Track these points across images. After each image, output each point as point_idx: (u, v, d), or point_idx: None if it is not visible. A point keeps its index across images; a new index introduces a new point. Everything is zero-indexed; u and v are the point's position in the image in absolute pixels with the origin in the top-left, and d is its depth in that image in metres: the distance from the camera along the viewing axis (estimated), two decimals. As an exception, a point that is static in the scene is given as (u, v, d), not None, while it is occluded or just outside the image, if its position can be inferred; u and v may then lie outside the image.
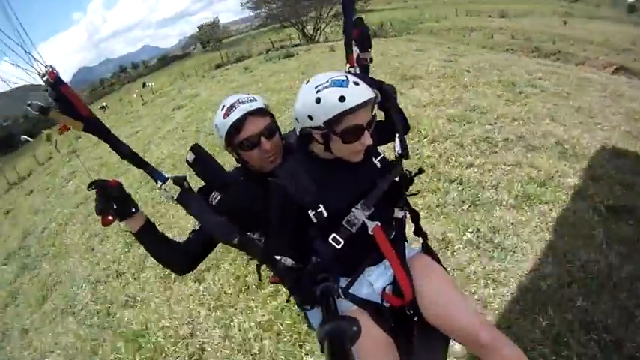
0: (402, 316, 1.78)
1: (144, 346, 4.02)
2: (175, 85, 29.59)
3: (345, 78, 1.53)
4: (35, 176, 20.53)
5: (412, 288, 1.74)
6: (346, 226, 1.63)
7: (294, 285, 1.67)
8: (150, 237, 1.79)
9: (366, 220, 1.66)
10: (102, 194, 1.59)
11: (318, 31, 41.08)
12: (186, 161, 1.81)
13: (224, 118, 1.79)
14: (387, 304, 1.77)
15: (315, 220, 1.62)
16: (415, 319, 1.77)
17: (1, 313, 6.91)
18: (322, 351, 1.02)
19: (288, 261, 1.60)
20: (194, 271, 2.02)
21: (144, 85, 43.97)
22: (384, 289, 1.78)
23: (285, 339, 3.47)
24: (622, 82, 11.03)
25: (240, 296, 4.23)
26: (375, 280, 1.81)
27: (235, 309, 4.10)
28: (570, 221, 4.13)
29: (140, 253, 5.94)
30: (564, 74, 10.12)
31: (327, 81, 1.52)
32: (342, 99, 1.45)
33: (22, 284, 7.54)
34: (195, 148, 1.82)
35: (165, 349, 3.84)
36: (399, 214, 1.85)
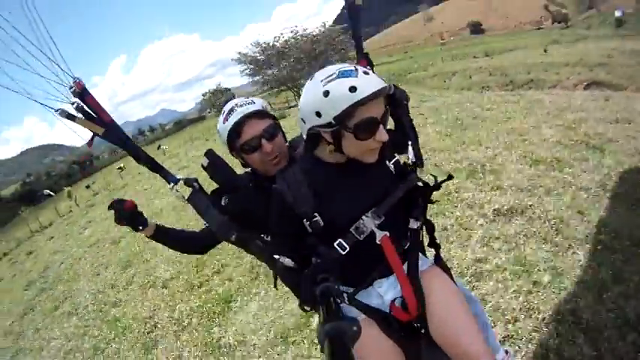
0: (410, 329, 1.71)
1: (118, 326, 6.08)
2: (184, 147, 31.66)
3: (353, 68, 1.41)
4: (56, 225, 22.56)
5: (421, 303, 1.68)
6: (354, 232, 1.56)
7: (293, 285, 1.66)
8: (161, 239, 2.01)
9: (375, 229, 1.58)
10: (118, 214, 1.83)
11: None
12: (201, 165, 1.84)
13: (224, 122, 1.82)
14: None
15: (310, 230, 1.57)
16: (422, 331, 1.71)
17: (19, 322, 8.80)
18: (322, 351, 0.97)
19: (287, 261, 1.57)
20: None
21: (158, 147, 46.20)
22: (393, 301, 1.71)
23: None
24: (581, 96, 11.39)
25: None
26: (384, 292, 1.73)
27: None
28: (460, 224, 4.97)
29: (132, 273, 8.10)
30: (514, 101, 11.00)
31: (335, 73, 1.40)
32: (352, 89, 1.33)
33: (39, 301, 9.49)
34: (209, 153, 1.84)
35: (132, 327, 5.88)
36: (414, 224, 1.73)
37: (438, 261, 1.93)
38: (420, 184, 1.74)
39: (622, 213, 4.50)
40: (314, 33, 42.54)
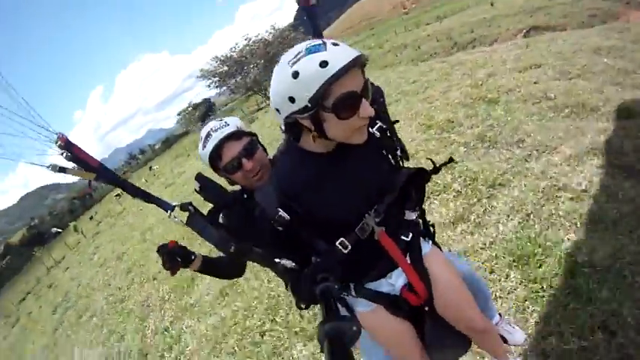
0: (416, 308, 1.75)
1: (124, 311, 8.15)
2: (170, 165, 33.62)
3: (321, 42, 1.25)
4: (68, 258, 24.55)
5: (428, 287, 1.71)
6: (358, 233, 1.52)
7: (294, 285, 1.59)
8: (206, 270, 2.02)
9: (375, 226, 1.53)
10: (168, 255, 1.80)
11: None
12: (195, 189, 1.86)
13: (203, 148, 1.86)
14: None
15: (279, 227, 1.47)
16: (427, 309, 1.75)
17: (52, 336, 10.92)
18: (322, 351, 0.96)
19: (288, 263, 1.54)
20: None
21: (150, 168, 47.67)
22: (404, 286, 1.73)
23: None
24: (506, 48, 11.48)
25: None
26: (395, 281, 1.73)
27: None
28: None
29: (132, 275, 10.15)
30: (439, 69, 11.31)
31: (301, 50, 1.25)
32: (323, 64, 1.18)
33: (65, 317, 11.56)
34: (199, 177, 1.85)
35: (133, 309, 7.88)
36: (410, 215, 1.71)
37: (432, 240, 1.93)
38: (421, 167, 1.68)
39: (483, 160, 5.11)
40: (266, 37, 44.16)
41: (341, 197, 1.52)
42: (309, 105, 1.25)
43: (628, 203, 3.50)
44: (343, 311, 1.50)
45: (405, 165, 1.75)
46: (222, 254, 1.99)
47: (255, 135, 1.99)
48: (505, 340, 2.35)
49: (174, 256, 1.82)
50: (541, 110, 5.91)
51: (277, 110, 1.38)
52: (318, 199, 1.49)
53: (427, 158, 1.92)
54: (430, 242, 1.89)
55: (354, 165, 1.53)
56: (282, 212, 1.44)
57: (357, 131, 1.37)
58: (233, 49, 44.66)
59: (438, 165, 1.77)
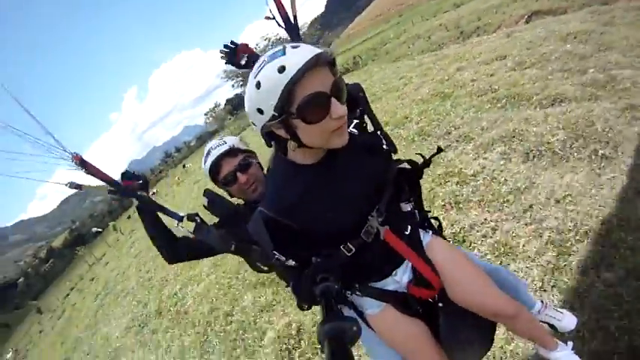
0: (427, 304, 1.70)
1: (150, 286, 9.82)
2: (200, 162, 35.54)
3: (281, 47, 1.24)
4: (108, 254, 26.93)
5: (438, 277, 1.66)
6: (363, 237, 1.49)
7: (295, 283, 1.53)
8: (148, 211, 2.07)
9: (379, 227, 1.52)
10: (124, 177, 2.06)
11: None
12: (203, 205, 2.03)
13: (204, 164, 2.05)
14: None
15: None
16: (440, 305, 1.69)
17: (93, 318, 12.85)
18: (322, 351, 1.00)
19: (289, 261, 1.46)
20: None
21: (183, 166, 50.00)
22: (409, 282, 1.66)
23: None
24: (495, 38, 11.37)
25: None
26: (400, 278, 1.67)
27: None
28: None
29: (161, 259, 11.77)
30: (426, 63, 11.94)
31: (263, 59, 1.24)
32: (281, 70, 1.16)
33: (105, 302, 13.55)
34: (207, 193, 2.05)
35: (156, 284, 9.53)
36: (406, 207, 1.71)
37: (434, 231, 1.88)
38: (405, 166, 1.70)
39: (406, 152, 5.35)
40: (284, 36, 46.52)
41: (337, 207, 1.46)
42: (276, 114, 1.21)
43: (509, 183, 4.10)
44: (351, 313, 1.67)
45: (394, 158, 1.71)
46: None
47: (251, 152, 2.13)
48: (555, 328, 2.26)
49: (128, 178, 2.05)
50: (481, 103, 6.52)
51: (253, 123, 1.34)
52: (314, 213, 1.43)
53: (416, 153, 1.86)
54: (430, 232, 1.82)
55: (344, 170, 1.47)
56: (278, 255, 1.41)
57: (334, 134, 1.29)
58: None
59: (427, 157, 1.75)
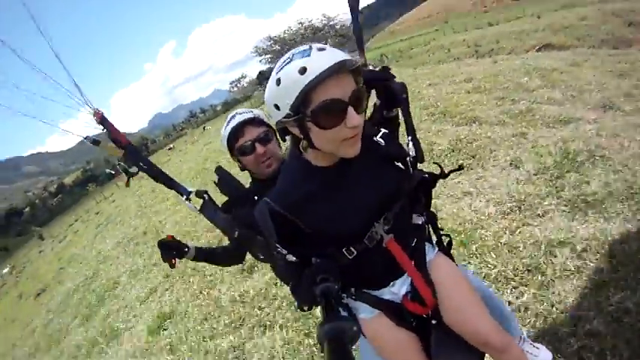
0: (421, 319, 1.70)
1: (154, 224, 11.73)
2: (219, 126, 37.88)
3: (308, 47, 1.24)
4: (116, 194, 29.20)
5: (434, 294, 1.66)
6: (366, 242, 1.50)
7: (295, 281, 1.56)
8: (203, 259, 2.24)
9: (384, 234, 1.52)
10: (163, 249, 2.06)
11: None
12: (214, 182, 2.06)
13: (225, 128, 1.99)
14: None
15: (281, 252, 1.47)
16: (433, 322, 1.69)
17: (92, 242, 14.77)
18: (322, 352, 1.00)
19: (289, 256, 1.49)
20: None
21: (204, 128, 52.35)
22: (405, 294, 1.67)
23: None
24: (490, 61, 12.77)
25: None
26: (397, 289, 1.68)
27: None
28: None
29: (161, 196, 13.90)
30: (417, 74, 12.90)
31: (288, 56, 1.26)
32: (302, 71, 1.17)
33: (105, 230, 15.69)
34: (218, 170, 2.07)
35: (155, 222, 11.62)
36: (417, 219, 1.71)
37: (441, 248, 1.88)
38: (426, 177, 1.71)
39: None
40: (316, 24, 50.35)
41: (344, 212, 1.47)
42: (291, 113, 1.23)
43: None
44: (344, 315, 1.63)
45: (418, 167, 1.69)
46: (214, 248, 2.35)
47: (273, 129, 2.01)
48: None
49: (168, 250, 2.05)
50: (422, 114, 7.72)
51: (269, 115, 1.39)
52: (320, 214, 1.45)
53: (434, 163, 1.89)
54: (436, 249, 1.82)
55: (357, 178, 1.48)
56: (280, 249, 1.44)
57: (346, 143, 1.29)
58: (286, 32, 50.88)
59: (447, 171, 1.74)
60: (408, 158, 1.63)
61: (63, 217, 34.46)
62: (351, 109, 1.23)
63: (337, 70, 1.17)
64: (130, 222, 13.22)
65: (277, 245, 1.46)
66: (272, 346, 3.69)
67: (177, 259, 2.08)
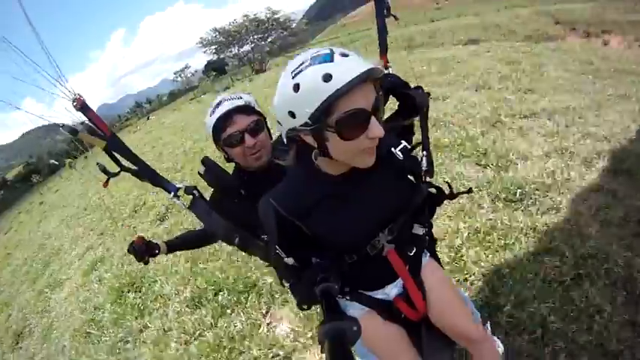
0: (411, 323, 1.79)
1: (94, 201, 13.08)
2: (163, 116, 38.92)
3: (328, 51, 1.19)
4: (59, 184, 29.97)
5: (424, 298, 1.74)
6: (368, 250, 1.54)
7: (295, 283, 1.61)
8: (175, 248, 2.29)
9: (385, 244, 1.56)
10: (134, 252, 2.06)
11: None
12: (198, 173, 1.94)
13: (210, 115, 1.87)
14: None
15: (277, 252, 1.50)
16: (424, 327, 1.81)
17: (37, 225, 15.63)
18: (322, 351, 0.99)
19: (290, 260, 1.52)
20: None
21: (148, 118, 52.68)
22: (397, 295, 1.75)
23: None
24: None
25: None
26: (389, 291, 1.76)
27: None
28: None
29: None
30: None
31: (306, 60, 1.19)
32: (327, 78, 1.12)
33: (50, 216, 16.73)
34: (205, 161, 1.95)
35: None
36: (419, 230, 1.75)
37: (432, 253, 1.94)
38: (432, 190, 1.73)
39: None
40: (261, 17, 51.88)
41: (353, 222, 1.48)
42: (310, 122, 1.18)
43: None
44: None
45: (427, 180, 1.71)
46: (184, 236, 2.43)
47: (264, 116, 1.97)
48: None
49: (141, 253, 2.06)
50: None
51: (279, 122, 1.31)
52: (325, 223, 1.46)
53: (444, 181, 1.90)
54: (428, 254, 1.88)
55: (369, 189, 1.48)
56: (279, 250, 1.46)
57: (364, 153, 1.28)
58: (231, 24, 52.01)
59: (455, 192, 1.75)
60: (421, 173, 1.67)
61: (6, 213, 34.33)
62: (373, 119, 1.20)
63: (364, 79, 1.14)
64: (72, 203, 14.44)
65: (277, 247, 1.46)
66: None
67: (148, 258, 2.13)
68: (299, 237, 1.50)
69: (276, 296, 4.03)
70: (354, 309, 1.75)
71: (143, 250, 2.06)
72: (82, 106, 1.63)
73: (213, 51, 53.62)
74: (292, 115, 1.21)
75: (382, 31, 1.95)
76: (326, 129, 1.20)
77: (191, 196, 1.82)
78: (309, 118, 1.17)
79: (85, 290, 6.45)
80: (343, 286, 1.71)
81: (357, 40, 35.09)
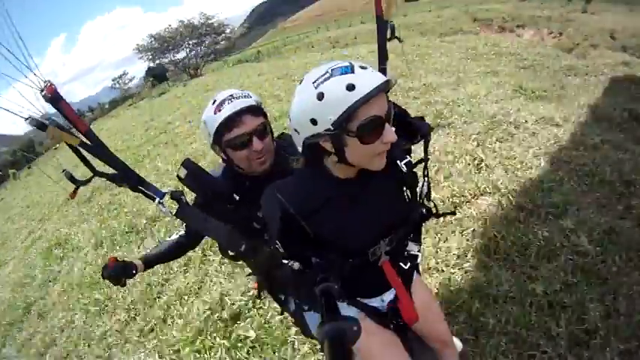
0: (397, 324, 1.83)
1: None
2: (101, 124, 39.19)
3: (348, 64, 1.28)
4: (2, 193, 30.51)
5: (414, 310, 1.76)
6: (369, 255, 1.59)
7: (297, 288, 1.61)
8: (152, 264, 2.16)
9: (383, 254, 1.62)
10: (109, 277, 1.93)
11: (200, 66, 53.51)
12: (177, 176, 1.65)
13: (214, 113, 1.74)
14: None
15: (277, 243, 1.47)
16: (412, 334, 1.94)
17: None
18: (322, 351, 1.04)
19: (296, 265, 1.50)
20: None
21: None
22: (390, 303, 1.80)
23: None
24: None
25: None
26: (385, 298, 1.83)
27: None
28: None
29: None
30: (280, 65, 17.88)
31: (328, 71, 1.27)
32: (350, 87, 1.22)
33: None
34: (186, 163, 1.65)
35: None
36: (414, 247, 1.85)
37: (418, 272, 2.05)
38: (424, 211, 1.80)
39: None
40: (195, 23, 53.36)
41: (360, 225, 1.53)
42: (332, 128, 1.25)
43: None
44: None
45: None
46: (160, 248, 2.18)
47: (268, 120, 1.89)
48: None
49: (113, 276, 1.92)
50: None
51: (296, 131, 1.37)
52: (331, 226, 1.49)
53: (431, 201, 1.86)
54: (415, 271, 1.95)
55: (376, 194, 1.55)
56: (279, 247, 1.45)
57: (378, 157, 1.37)
58: (167, 30, 53.25)
59: (441, 212, 1.83)
60: (419, 190, 1.72)
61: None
62: (387, 126, 1.30)
63: (383, 88, 1.25)
64: (18, 204, 16.24)
65: (277, 243, 1.46)
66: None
67: (125, 280, 1.98)
68: (300, 236, 1.51)
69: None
70: (352, 313, 1.78)
71: (119, 272, 1.95)
72: (54, 96, 1.25)
73: (150, 57, 54.12)
74: (314, 122, 1.28)
75: (382, 47, 1.95)
76: (347, 134, 1.27)
77: (177, 203, 1.48)
78: (332, 125, 1.25)
79: (25, 260, 8.43)
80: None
81: (287, 44, 37.56)
